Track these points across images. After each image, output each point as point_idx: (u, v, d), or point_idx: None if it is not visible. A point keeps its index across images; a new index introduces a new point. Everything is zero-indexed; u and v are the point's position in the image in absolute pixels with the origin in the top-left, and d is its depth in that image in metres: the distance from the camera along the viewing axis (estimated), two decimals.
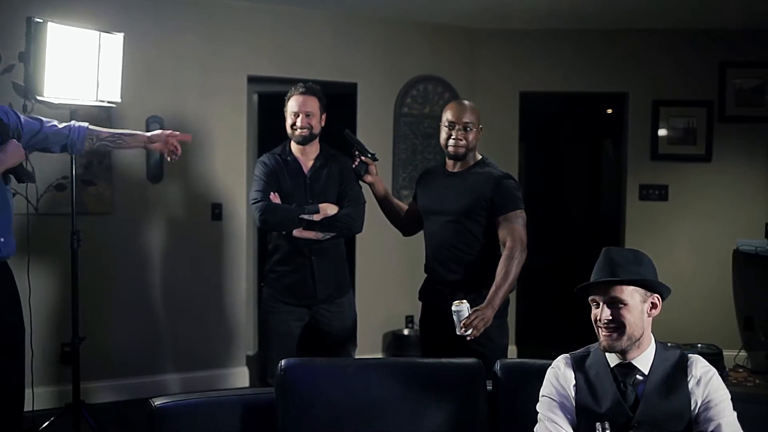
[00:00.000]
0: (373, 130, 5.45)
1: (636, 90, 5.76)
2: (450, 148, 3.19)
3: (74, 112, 3.71)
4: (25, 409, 4.34)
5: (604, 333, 2.12)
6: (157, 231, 4.88)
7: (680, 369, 2.12)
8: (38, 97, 3.42)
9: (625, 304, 2.10)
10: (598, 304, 2.15)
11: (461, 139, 3.17)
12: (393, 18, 5.46)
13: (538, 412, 2.21)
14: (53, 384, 4.55)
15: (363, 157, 3.46)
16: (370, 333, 5.40)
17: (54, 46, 3.40)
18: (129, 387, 4.78)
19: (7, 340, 2.90)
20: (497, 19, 5.49)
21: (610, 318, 2.10)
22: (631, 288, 2.11)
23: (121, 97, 3.80)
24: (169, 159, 3.48)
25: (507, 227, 3.05)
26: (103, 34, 3.63)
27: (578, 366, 2.20)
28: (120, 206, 4.75)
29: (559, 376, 2.21)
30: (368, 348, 5.30)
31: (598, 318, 2.14)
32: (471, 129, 3.17)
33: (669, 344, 2.26)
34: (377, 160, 3.52)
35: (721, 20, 5.41)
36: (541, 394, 2.23)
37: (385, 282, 5.58)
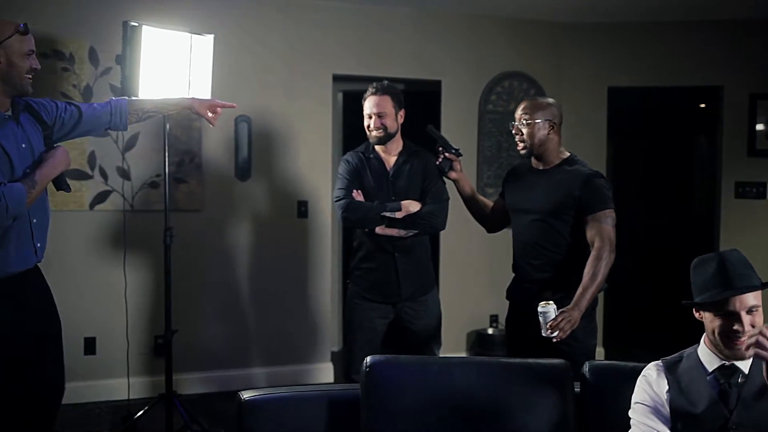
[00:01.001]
0: (458, 127, 5.41)
1: (731, 83, 5.53)
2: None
3: None
4: (121, 398, 4.56)
5: (745, 342, 1.97)
6: (245, 227, 4.99)
7: None
8: (133, 99, 3.54)
9: (757, 309, 2.06)
10: (728, 314, 2.04)
11: (518, 134, 3.16)
12: (477, 14, 5.41)
13: (629, 417, 2.16)
14: (147, 375, 4.72)
15: (447, 153, 3.46)
16: (454, 331, 5.38)
17: (148, 49, 3.52)
18: (218, 379, 4.91)
19: (44, 349, 2.82)
20: (583, 12, 5.37)
21: (753, 326, 2.03)
22: (759, 292, 2.07)
23: (211, 97, 3.89)
24: (211, 124, 3.38)
25: (595, 227, 2.99)
26: (194, 35, 3.73)
27: (671, 371, 2.15)
28: (210, 203, 4.88)
29: (652, 383, 2.16)
30: (452, 347, 5.28)
31: (733, 328, 2.03)
32: (527, 124, 3.12)
33: None
34: (461, 155, 3.51)
35: None
36: (633, 401, 2.19)
37: (470, 280, 5.55)
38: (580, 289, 2.88)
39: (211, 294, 4.92)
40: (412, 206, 3.44)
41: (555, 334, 2.75)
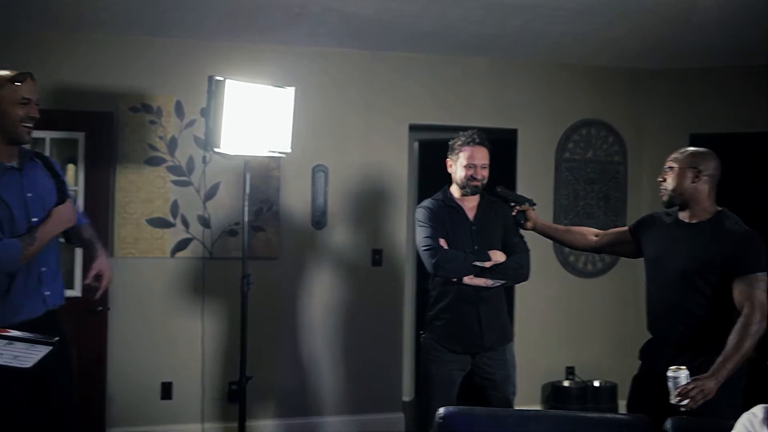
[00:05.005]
0: (533, 175, 5.38)
1: None
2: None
3: (247, 162, 3.93)
4: None
5: None
6: (320, 275, 5.04)
7: None
8: (216, 150, 3.66)
9: None
10: None
11: (661, 180, 3.04)
12: (554, 62, 5.40)
13: None
14: (221, 420, 4.77)
15: (519, 207, 3.53)
16: (529, 383, 5.26)
17: (231, 102, 3.63)
18: (291, 427, 4.92)
19: (52, 401, 2.77)
20: (663, 59, 5.29)
21: None
22: None
23: (291, 148, 3.98)
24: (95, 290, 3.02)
25: (746, 291, 2.75)
26: (275, 88, 3.84)
27: None
28: (286, 251, 4.96)
29: (755, 422, 2.07)
30: (526, 399, 5.15)
31: None
32: (670, 171, 3.00)
33: None
34: (535, 204, 3.56)
35: None
36: None
37: (546, 331, 5.43)
38: (721, 357, 2.66)
39: (285, 341, 4.96)
40: (499, 256, 3.44)
41: (685, 402, 2.57)
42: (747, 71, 5.40)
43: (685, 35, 4.64)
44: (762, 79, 5.40)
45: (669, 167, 3.01)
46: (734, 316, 2.75)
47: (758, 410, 2.09)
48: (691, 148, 3.05)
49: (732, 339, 2.69)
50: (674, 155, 3.03)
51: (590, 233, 3.50)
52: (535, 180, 5.34)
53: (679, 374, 2.59)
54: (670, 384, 2.60)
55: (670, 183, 3.00)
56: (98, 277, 2.94)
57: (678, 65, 5.44)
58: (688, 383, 2.58)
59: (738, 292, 2.77)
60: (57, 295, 2.88)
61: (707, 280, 2.86)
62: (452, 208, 3.54)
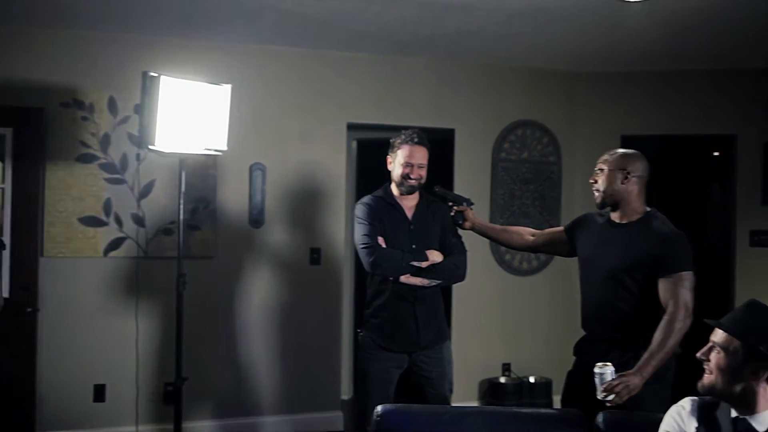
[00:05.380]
0: (471, 175, 5.44)
1: (745, 132, 5.54)
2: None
3: (183, 160, 3.88)
4: None
5: None
6: (258, 275, 5.00)
7: None
8: (150, 147, 3.60)
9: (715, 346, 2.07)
10: None
11: (592, 181, 3.10)
12: (491, 64, 5.48)
13: None
14: (156, 422, 4.69)
15: (457, 207, 3.56)
16: (466, 380, 5.33)
17: (166, 98, 3.58)
18: (227, 427, 4.87)
19: None
20: (596, 62, 5.43)
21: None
22: (725, 333, 2.06)
23: (227, 145, 3.95)
24: None
25: (670, 289, 2.81)
26: (211, 85, 3.80)
27: (704, 412, 2.11)
28: (223, 250, 4.91)
29: (684, 415, 2.13)
30: (463, 396, 5.22)
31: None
32: (600, 172, 3.05)
33: None
34: (473, 204, 3.59)
35: None
36: (661, 428, 2.16)
37: (482, 329, 5.51)
38: (646, 354, 2.72)
39: (222, 341, 4.91)
40: (436, 256, 3.46)
41: (610, 398, 2.63)
42: (675, 75, 5.58)
43: (616, 40, 4.77)
44: (690, 83, 5.59)
45: (599, 169, 3.08)
46: (661, 314, 2.82)
47: (686, 402, 2.15)
48: (621, 150, 3.12)
49: (657, 336, 2.75)
50: (604, 157, 3.09)
51: (527, 233, 3.55)
52: (472, 179, 5.40)
53: (605, 370, 2.65)
54: (597, 380, 2.66)
55: (600, 184, 3.06)
56: None
57: (609, 69, 5.59)
58: (613, 379, 2.64)
59: (663, 290, 2.83)
60: None
61: (635, 278, 2.92)
62: (391, 205, 3.55)
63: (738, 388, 2.01)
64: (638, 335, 2.88)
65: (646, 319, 2.88)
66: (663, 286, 2.84)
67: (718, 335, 2.06)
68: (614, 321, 2.97)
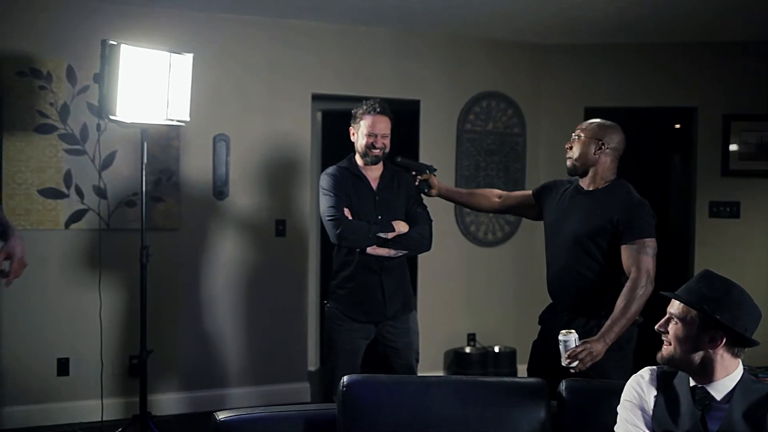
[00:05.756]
0: (436, 146, 5.45)
1: (706, 104, 5.62)
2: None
3: (145, 131, 3.82)
4: (94, 420, 4.50)
5: None
6: (222, 247, 4.97)
7: (764, 405, 2.03)
8: (111, 117, 3.54)
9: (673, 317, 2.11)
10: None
11: (568, 147, 3.11)
12: (456, 34, 5.46)
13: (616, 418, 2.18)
14: (121, 396, 4.66)
15: (421, 176, 3.56)
16: (432, 351, 5.38)
17: (126, 68, 3.51)
18: (193, 400, 4.86)
19: None
20: (562, 34, 5.44)
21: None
22: (681, 305, 2.10)
23: (190, 116, 3.89)
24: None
25: (633, 256, 2.83)
26: (173, 54, 3.73)
27: (663, 381, 2.15)
28: (187, 222, 4.86)
29: (643, 384, 2.17)
30: (429, 366, 5.28)
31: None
32: (577, 139, 3.06)
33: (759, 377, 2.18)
34: (436, 170, 3.60)
35: None
36: (622, 397, 2.20)
37: (447, 300, 5.56)
38: (608, 321, 2.75)
39: (187, 313, 4.88)
40: (402, 227, 3.47)
41: (574, 365, 2.67)
42: (639, 48, 5.63)
43: (582, 13, 4.77)
44: (653, 56, 5.64)
45: (577, 136, 3.08)
46: (624, 282, 2.86)
47: (645, 372, 2.20)
48: (599, 120, 3.12)
49: (619, 303, 2.79)
50: (582, 125, 3.11)
51: (493, 195, 3.56)
52: (437, 151, 5.41)
53: (569, 337, 2.69)
54: (561, 347, 2.69)
55: (575, 151, 3.07)
56: (8, 260, 2.80)
57: (573, 41, 5.61)
58: (577, 346, 2.68)
59: (626, 257, 2.86)
60: None
61: (598, 245, 2.95)
62: (357, 176, 3.54)
63: (697, 357, 2.05)
64: (601, 302, 2.92)
65: (610, 287, 2.92)
66: (626, 253, 2.87)
67: (675, 306, 2.10)
68: (578, 288, 3.00)
